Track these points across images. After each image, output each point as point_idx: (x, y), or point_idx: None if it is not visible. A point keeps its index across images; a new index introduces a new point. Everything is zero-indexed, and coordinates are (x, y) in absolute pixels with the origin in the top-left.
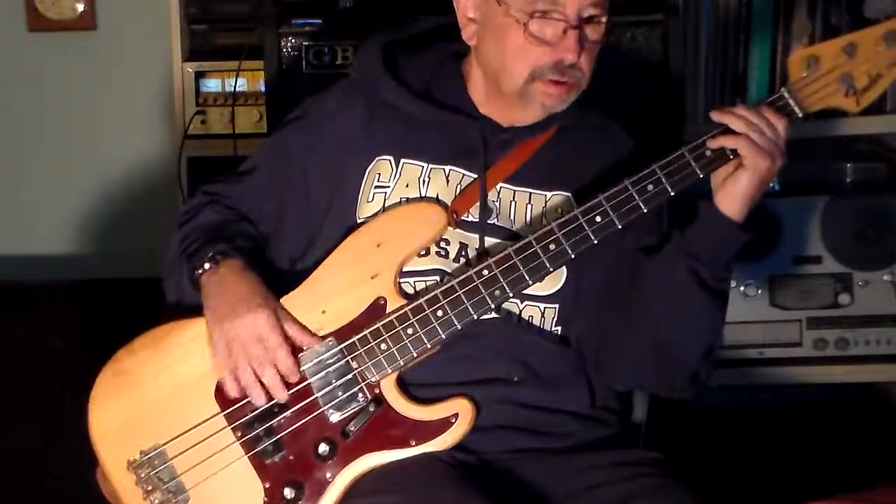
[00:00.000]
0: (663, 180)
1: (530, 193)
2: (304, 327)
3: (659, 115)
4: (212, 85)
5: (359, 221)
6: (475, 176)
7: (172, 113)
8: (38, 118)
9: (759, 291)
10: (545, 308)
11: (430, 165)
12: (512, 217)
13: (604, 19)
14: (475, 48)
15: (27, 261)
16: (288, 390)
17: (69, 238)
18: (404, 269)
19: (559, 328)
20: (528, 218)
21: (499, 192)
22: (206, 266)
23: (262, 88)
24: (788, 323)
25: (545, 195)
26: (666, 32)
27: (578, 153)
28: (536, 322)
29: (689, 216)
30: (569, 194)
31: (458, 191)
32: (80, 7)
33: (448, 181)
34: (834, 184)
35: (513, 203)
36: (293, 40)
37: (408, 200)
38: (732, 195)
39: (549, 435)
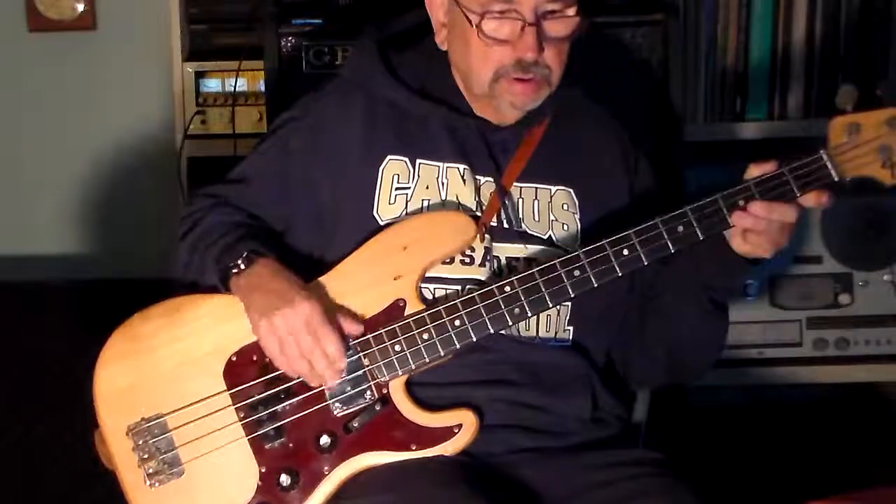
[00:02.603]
0: (694, 223)
1: (536, 189)
2: (345, 315)
3: (659, 115)
4: (212, 85)
5: (382, 223)
6: (485, 178)
7: (172, 113)
8: (38, 118)
9: (759, 291)
10: (559, 307)
11: (446, 164)
12: (521, 215)
13: (570, 12)
14: (449, 52)
15: (27, 261)
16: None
17: (69, 238)
18: (427, 275)
19: (571, 328)
20: (536, 214)
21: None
22: (242, 266)
23: (262, 88)
24: (788, 323)
25: (550, 189)
26: (666, 32)
27: (576, 145)
28: (553, 321)
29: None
30: (571, 190)
31: (474, 191)
32: (80, 7)
33: (464, 181)
34: (834, 184)
35: (520, 200)
36: (293, 40)
37: (430, 204)
38: (749, 253)
39: (550, 434)
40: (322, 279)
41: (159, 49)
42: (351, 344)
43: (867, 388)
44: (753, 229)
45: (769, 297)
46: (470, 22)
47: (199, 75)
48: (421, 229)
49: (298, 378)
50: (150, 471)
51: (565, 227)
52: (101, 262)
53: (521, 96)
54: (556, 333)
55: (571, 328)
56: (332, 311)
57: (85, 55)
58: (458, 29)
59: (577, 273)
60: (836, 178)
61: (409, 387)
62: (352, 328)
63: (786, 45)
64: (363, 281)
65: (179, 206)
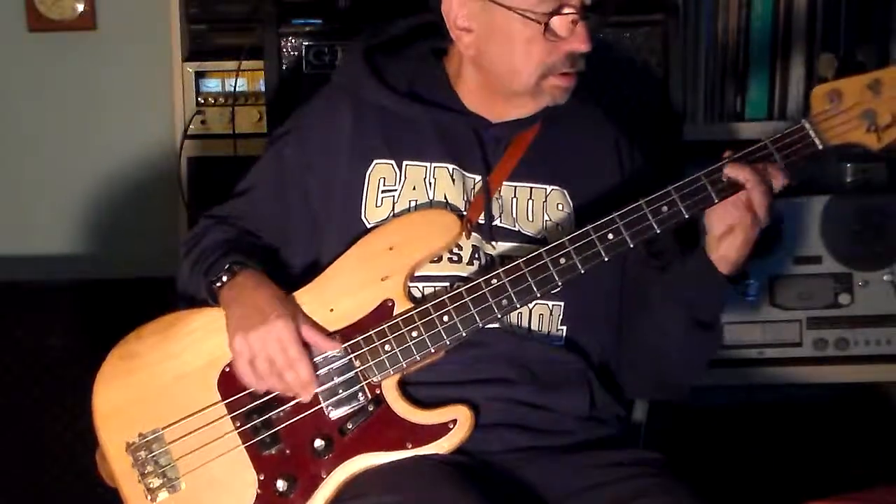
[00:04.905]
0: (678, 202)
1: (531, 188)
2: (321, 331)
3: (659, 115)
4: (212, 85)
5: (369, 226)
6: (475, 176)
7: (172, 113)
8: (38, 118)
9: (759, 291)
10: (553, 306)
11: (433, 164)
12: (514, 214)
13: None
14: (474, 56)
15: (27, 261)
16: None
17: (69, 238)
18: (416, 274)
19: (565, 327)
20: (530, 213)
21: (500, 191)
22: (224, 279)
23: (262, 88)
24: (788, 323)
25: (545, 189)
26: (666, 32)
27: (568, 145)
28: (545, 320)
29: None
30: (564, 190)
31: (463, 190)
32: (80, 7)
33: (454, 180)
34: (834, 184)
35: (514, 200)
36: (293, 40)
37: (417, 204)
38: (731, 262)
39: (549, 433)
40: (309, 286)
41: (159, 49)
42: (330, 355)
43: (867, 388)
44: (742, 181)
45: (769, 297)
46: (535, 21)
47: (199, 75)
48: (406, 229)
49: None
50: (151, 485)
51: (560, 227)
52: (101, 262)
53: (565, 91)
54: (548, 332)
55: (564, 328)
56: (315, 324)
57: (85, 55)
58: (496, 32)
59: (562, 261)
60: (821, 147)
61: (406, 387)
62: (327, 344)
63: (786, 45)
64: (351, 284)
65: (179, 205)
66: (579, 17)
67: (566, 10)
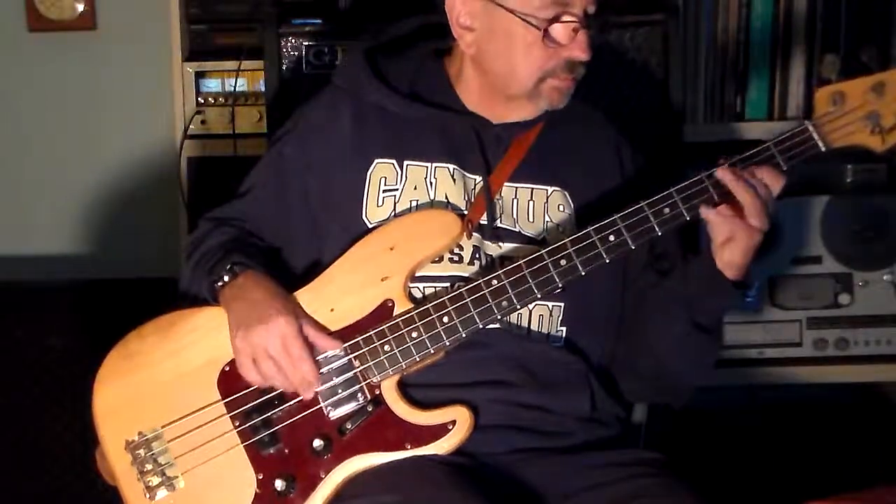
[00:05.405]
0: (679, 204)
1: (532, 189)
2: (322, 331)
3: (659, 115)
4: (212, 85)
5: (370, 226)
6: (475, 177)
7: (172, 113)
8: (38, 118)
9: (759, 291)
10: (553, 306)
11: (434, 164)
12: (515, 215)
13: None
14: (474, 55)
15: (27, 261)
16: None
17: (69, 238)
18: (417, 275)
19: (564, 328)
20: (531, 214)
21: (501, 192)
22: (226, 278)
23: (262, 88)
24: (788, 323)
25: (546, 190)
26: (666, 32)
27: (569, 146)
28: (545, 321)
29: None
30: (566, 192)
31: (464, 190)
32: (80, 7)
33: (454, 180)
34: (834, 184)
35: (515, 201)
36: (293, 40)
37: (418, 204)
38: (736, 266)
39: (549, 434)
40: (309, 286)
41: (159, 49)
42: (330, 355)
43: (867, 388)
44: (736, 190)
45: (769, 297)
46: (535, 27)
47: (199, 75)
48: (407, 229)
49: None
50: (150, 484)
51: (561, 228)
52: (101, 262)
53: (564, 95)
54: (548, 333)
55: (564, 329)
56: (316, 323)
57: (85, 55)
58: (497, 33)
59: (563, 262)
60: (823, 149)
61: (406, 388)
62: (329, 344)
63: (786, 45)
64: (351, 284)
65: (179, 205)
66: (580, 26)
67: (567, 18)
